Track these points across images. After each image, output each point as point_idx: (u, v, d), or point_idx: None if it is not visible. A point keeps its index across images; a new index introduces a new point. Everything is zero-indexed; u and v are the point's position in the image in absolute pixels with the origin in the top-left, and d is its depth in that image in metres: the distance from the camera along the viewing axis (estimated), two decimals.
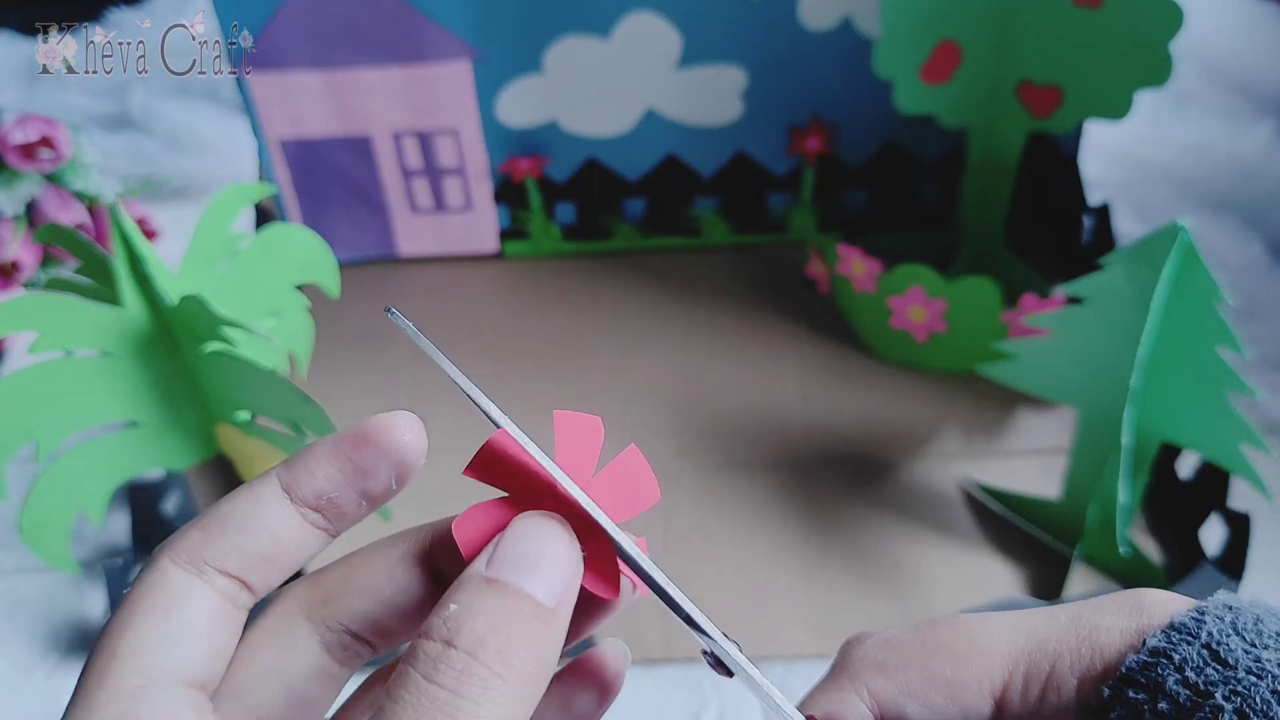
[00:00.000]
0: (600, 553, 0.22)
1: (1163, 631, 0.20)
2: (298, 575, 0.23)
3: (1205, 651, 0.19)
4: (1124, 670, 0.19)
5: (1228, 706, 0.18)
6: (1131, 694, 0.19)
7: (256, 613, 0.23)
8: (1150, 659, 0.19)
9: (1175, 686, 0.19)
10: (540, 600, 0.20)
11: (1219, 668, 0.19)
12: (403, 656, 0.19)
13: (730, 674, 0.22)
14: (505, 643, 0.19)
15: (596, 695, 0.24)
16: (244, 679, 0.22)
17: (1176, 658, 0.19)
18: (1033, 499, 0.58)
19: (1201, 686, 0.19)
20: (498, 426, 0.22)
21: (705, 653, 0.22)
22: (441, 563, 0.23)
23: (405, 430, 0.22)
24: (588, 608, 0.23)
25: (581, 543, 0.22)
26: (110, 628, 0.20)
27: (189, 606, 0.21)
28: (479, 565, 0.20)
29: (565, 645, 0.21)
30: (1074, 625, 0.21)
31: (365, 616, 0.22)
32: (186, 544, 0.21)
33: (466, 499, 0.23)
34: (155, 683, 0.20)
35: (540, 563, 0.20)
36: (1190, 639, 0.19)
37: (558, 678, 0.24)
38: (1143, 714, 0.19)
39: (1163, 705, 0.19)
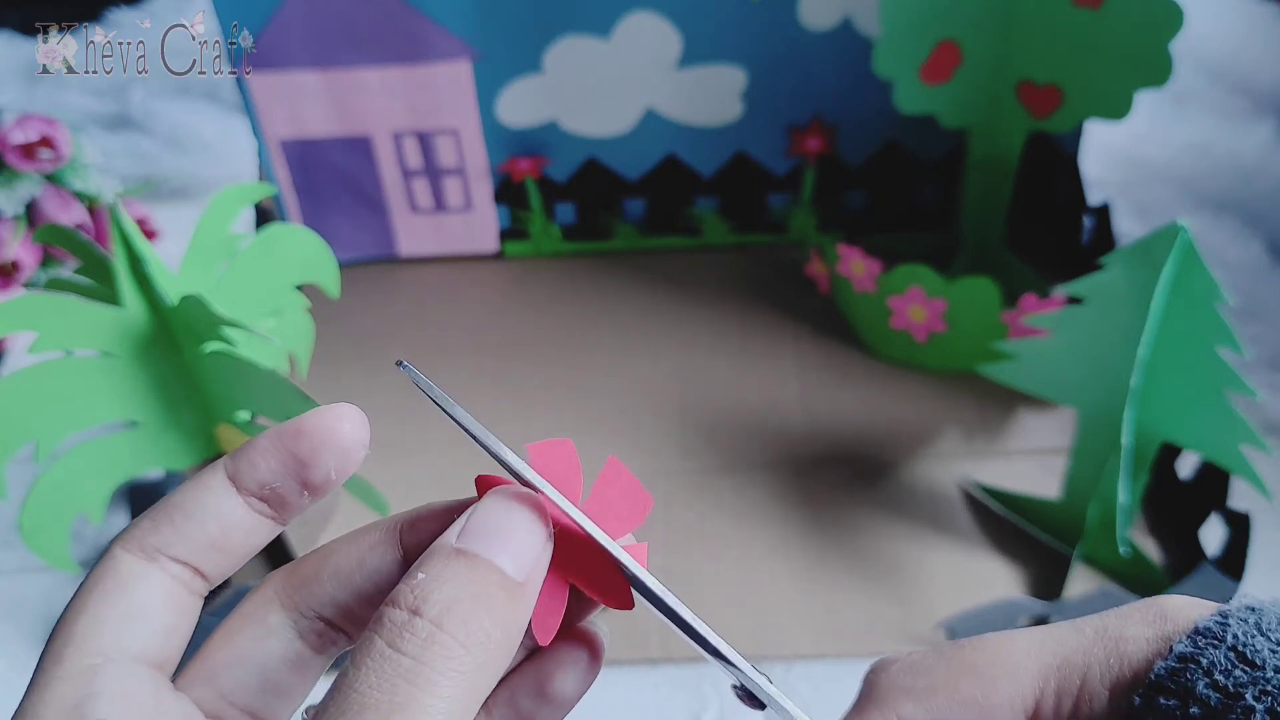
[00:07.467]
0: (608, 570, 0.22)
1: (1188, 637, 0.20)
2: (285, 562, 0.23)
3: (1232, 654, 0.19)
4: (1153, 677, 0.19)
5: (1259, 706, 0.18)
6: (1163, 701, 0.19)
7: (239, 601, 0.23)
8: (1178, 665, 0.19)
9: (1205, 690, 0.19)
10: (508, 573, 0.20)
11: (1247, 669, 0.19)
12: (369, 624, 0.19)
13: (762, 706, 0.22)
14: (471, 612, 0.19)
15: (581, 670, 0.23)
16: (217, 663, 0.22)
17: (1204, 662, 0.19)
18: (1033, 499, 0.58)
19: (1231, 688, 0.19)
20: (517, 477, 0.22)
21: (735, 686, 0.22)
22: (412, 550, 0.23)
23: (343, 423, 0.22)
24: (579, 605, 0.23)
25: (590, 561, 0.22)
26: (65, 614, 0.21)
27: (140, 589, 0.21)
28: (449, 537, 0.20)
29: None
30: (1100, 636, 0.21)
31: (337, 602, 0.23)
32: (137, 533, 0.22)
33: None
34: (111, 660, 0.20)
35: (510, 537, 0.21)
36: (1216, 642, 0.19)
37: (532, 659, 0.24)
38: (1175, 719, 0.19)
39: (1194, 710, 0.19)
